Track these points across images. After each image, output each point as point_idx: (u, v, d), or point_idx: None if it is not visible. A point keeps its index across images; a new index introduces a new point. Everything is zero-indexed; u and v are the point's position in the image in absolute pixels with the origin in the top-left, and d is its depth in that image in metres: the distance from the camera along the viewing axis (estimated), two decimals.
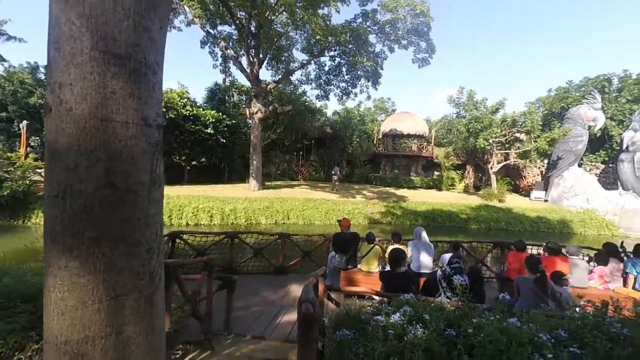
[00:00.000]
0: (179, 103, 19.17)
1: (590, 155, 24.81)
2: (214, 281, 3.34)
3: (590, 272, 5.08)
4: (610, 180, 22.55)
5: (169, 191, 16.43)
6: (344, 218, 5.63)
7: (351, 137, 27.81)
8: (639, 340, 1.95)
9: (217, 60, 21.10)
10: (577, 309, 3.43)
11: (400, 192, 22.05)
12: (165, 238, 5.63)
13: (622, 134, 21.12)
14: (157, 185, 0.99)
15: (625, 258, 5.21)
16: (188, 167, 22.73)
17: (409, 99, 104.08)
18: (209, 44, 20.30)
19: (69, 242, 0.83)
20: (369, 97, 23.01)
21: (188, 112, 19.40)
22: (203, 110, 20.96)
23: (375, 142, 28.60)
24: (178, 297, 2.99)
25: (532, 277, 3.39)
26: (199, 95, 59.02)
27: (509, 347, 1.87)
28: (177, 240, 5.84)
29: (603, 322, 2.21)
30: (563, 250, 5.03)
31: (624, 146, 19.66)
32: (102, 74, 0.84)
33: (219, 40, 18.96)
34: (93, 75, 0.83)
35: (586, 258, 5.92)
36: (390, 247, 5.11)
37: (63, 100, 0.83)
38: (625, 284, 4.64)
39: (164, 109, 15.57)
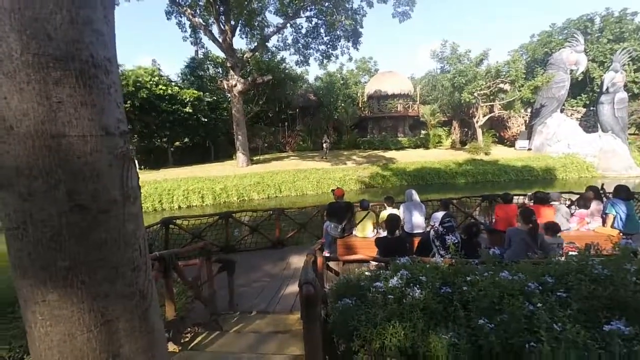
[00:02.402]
0: (150, 82, 18.02)
1: (572, 100, 25.12)
2: (213, 264, 3.38)
3: (572, 215, 5.35)
4: (590, 123, 23.10)
5: (156, 175, 16.13)
6: (338, 187, 5.67)
7: (336, 102, 27.16)
8: (618, 279, 2.08)
9: (185, 31, 19.61)
10: (561, 252, 3.67)
11: (389, 154, 22.20)
12: (159, 225, 5.59)
13: (602, 75, 21.24)
14: (133, 199, 0.90)
15: (604, 199, 5.48)
16: (172, 149, 22.12)
17: (392, 57, 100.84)
18: (174, 14, 18.70)
19: (42, 276, 0.76)
20: (350, 59, 22.00)
21: (162, 90, 18.33)
22: (180, 89, 19.87)
23: (360, 105, 28.10)
24: (180, 283, 3.03)
25: (525, 228, 3.53)
26: (176, 71, 55.59)
27: (501, 299, 1.99)
28: (171, 226, 5.81)
29: (586, 265, 2.35)
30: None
31: (605, 88, 19.87)
32: (42, 81, 0.71)
33: (185, 9, 17.46)
34: (31, 85, 0.70)
35: (567, 202, 6.22)
36: (384, 212, 5.21)
37: None
38: (604, 223, 4.91)
39: (133, 88, 14.36)
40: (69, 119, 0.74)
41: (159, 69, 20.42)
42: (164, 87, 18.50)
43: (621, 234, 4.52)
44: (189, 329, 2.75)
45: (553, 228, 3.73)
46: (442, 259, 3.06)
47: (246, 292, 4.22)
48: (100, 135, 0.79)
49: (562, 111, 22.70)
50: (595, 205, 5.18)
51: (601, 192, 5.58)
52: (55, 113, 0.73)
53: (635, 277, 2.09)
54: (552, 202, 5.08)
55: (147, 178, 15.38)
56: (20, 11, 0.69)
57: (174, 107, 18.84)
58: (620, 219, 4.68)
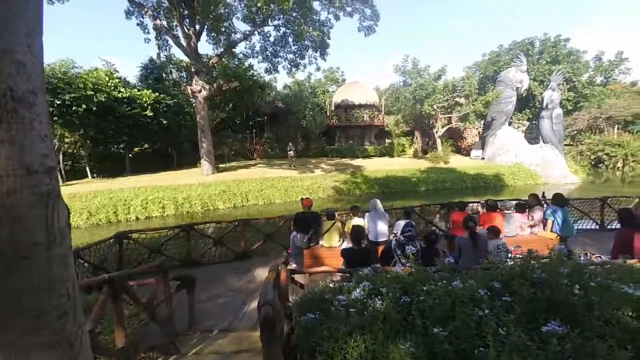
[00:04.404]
0: (109, 84, 16.87)
1: (518, 114, 27.67)
2: (171, 281, 3.19)
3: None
4: (534, 135, 25.58)
5: (111, 184, 14.99)
6: (307, 198, 5.67)
7: (304, 110, 27.38)
8: (554, 282, 2.31)
9: (148, 33, 18.67)
10: (508, 255, 3.99)
11: (356, 162, 22.74)
12: (112, 240, 5.18)
13: (542, 93, 23.73)
14: (59, 240, 0.80)
15: (545, 205, 6.06)
16: (130, 155, 20.74)
17: (358, 67, 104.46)
18: (135, 14, 17.76)
19: None
20: (318, 69, 22.37)
21: (121, 94, 17.24)
22: (138, 91, 18.78)
23: (328, 114, 28.60)
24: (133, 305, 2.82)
25: (466, 235, 3.83)
26: (130, 73, 52.48)
27: (454, 306, 2.11)
28: (126, 241, 5.41)
29: (527, 270, 2.58)
30: (499, 205, 5.72)
31: (544, 104, 22.21)
32: None
33: (146, 10, 16.69)
34: None
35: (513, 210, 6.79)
36: (350, 222, 5.31)
37: None
38: (544, 227, 5.44)
39: (91, 92, 13.28)
40: None
41: (115, 71, 19.18)
42: (123, 90, 17.41)
43: (559, 237, 5.07)
44: (142, 355, 2.56)
45: (494, 231, 4.13)
46: (402, 267, 3.19)
47: (208, 308, 4.03)
48: (19, 174, 0.71)
49: (510, 124, 24.92)
50: (539, 212, 5.71)
51: (542, 199, 6.17)
52: None
53: (567, 279, 2.33)
54: (506, 211, 5.54)
55: (101, 187, 14.25)
56: None
57: (133, 111, 17.75)
58: (558, 223, 5.23)
